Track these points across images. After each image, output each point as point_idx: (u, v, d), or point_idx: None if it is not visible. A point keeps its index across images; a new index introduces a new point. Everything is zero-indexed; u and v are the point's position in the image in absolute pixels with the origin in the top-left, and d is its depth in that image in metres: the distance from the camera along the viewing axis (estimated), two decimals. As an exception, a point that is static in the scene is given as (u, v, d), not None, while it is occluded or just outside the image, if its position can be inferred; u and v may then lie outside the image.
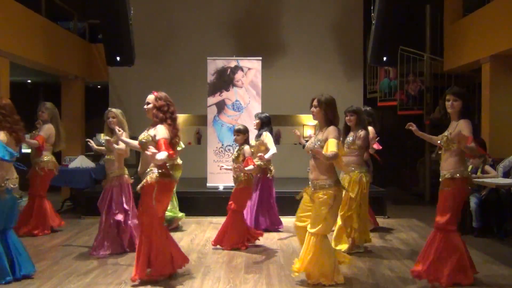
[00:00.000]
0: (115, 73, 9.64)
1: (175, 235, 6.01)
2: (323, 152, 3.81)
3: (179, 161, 6.17)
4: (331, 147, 3.81)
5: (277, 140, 9.86)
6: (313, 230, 3.94)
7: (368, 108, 5.92)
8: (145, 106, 4.12)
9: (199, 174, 8.18)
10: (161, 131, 3.93)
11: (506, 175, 6.18)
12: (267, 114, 6.17)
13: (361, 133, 5.08)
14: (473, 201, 6.05)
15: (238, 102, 7.65)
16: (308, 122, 10.10)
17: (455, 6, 9.07)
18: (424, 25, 9.90)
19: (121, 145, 4.90)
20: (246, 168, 5.05)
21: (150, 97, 4.11)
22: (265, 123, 6.01)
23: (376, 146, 5.91)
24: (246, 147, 5.21)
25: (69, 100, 9.74)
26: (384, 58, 8.04)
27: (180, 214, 6.31)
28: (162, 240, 4.06)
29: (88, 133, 9.47)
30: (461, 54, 8.58)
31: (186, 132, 10.22)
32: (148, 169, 4.00)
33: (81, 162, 7.58)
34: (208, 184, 7.60)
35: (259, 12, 9.99)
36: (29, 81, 11.43)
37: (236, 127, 5.36)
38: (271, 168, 6.06)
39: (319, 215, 3.93)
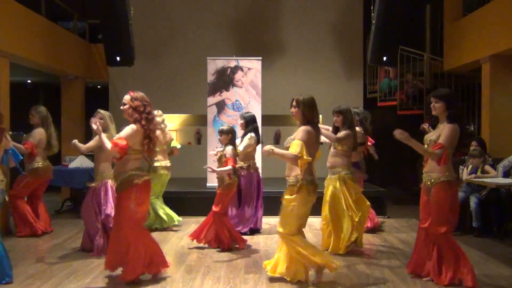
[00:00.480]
0: (115, 73, 9.64)
1: (176, 235, 6.02)
2: (279, 151, 3.87)
3: (163, 163, 6.22)
4: (292, 148, 3.84)
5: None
6: (281, 230, 3.99)
7: (357, 109, 5.86)
8: (122, 107, 4.08)
9: (199, 174, 8.17)
10: (125, 131, 3.94)
11: (506, 175, 6.18)
12: (251, 113, 6.14)
13: (342, 132, 5.07)
14: (473, 201, 6.05)
15: (238, 102, 7.65)
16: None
17: (455, 6, 9.07)
18: (424, 25, 9.90)
19: (90, 144, 5.02)
20: (219, 169, 5.08)
21: (126, 97, 4.07)
22: (249, 122, 5.96)
23: (369, 142, 6.01)
24: (228, 148, 5.18)
25: (69, 100, 9.74)
26: (384, 58, 8.03)
27: (176, 220, 6.40)
28: (140, 241, 4.03)
29: (88, 133, 9.46)
30: (461, 54, 8.58)
31: (186, 132, 10.22)
32: (125, 173, 3.98)
33: (81, 162, 7.58)
34: (208, 184, 7.59)
35: (259, 12, 9.99)
36: (29, 81, 11.43)
37: (220, 128, 5.36)
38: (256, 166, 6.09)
39: (286, 215, 3.96)
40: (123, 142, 3.84)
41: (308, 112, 4.00)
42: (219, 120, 7.62)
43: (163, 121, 6.27)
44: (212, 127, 7.66)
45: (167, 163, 6.32)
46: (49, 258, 4.92)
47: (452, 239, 4.05)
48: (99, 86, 11.39)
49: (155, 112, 5.92)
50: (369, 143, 6.07)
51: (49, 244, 5.59)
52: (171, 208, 6.52)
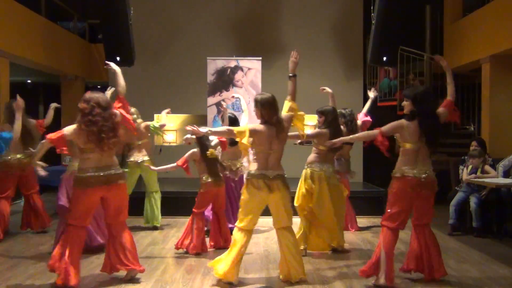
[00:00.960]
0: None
1: (176, 235, 6.01)
2: (213, 128, 4.26)
3: (133, 158, 6.10)
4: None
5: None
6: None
7: (344, 110, 5.82)
8: None
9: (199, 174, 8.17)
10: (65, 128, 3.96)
11: (506, 174, 6.18)
12: (231, 115, 6.00)
13: (313, 130, 5.19)
14: (473, 201, 6.05)
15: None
16: (308, 122, 10.07)
17: (455, 6, 9.08)
18: (424, 25, 9.89)
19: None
20: (158, 167, 5.31)
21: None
22: (229, 124, 5.77)
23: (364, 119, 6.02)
24: (193, 149, 5.16)
25: (69, 100, 9.74)
26: (384, 58, 8.04)
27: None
28: (64, 238, 4.00)
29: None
30: (461, 54, 8.59)
31: (186, 132, 10.18)
32: (78, 170, 4.04)
33: (81, 162, 7.57)
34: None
35: (259, 12, 9.98)
36: (29, 81, 11.44)
37: None
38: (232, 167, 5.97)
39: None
40: (54, 134, 3.90)
41: (265, 112, 4.07)
42: (219, 120, 7.61)
43: (133, 120, 6.11)
44: (212, 127, 7.67)
45: (138, 158, 6.13)
46: (49, 258, 4.91)
47: (387, 235, 4.08)
48: (99, 86, 11.39)
49: (131, 108, 5.95)
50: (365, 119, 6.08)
51: (49, 244, 5.57)
52: (169, 208, 6.49)
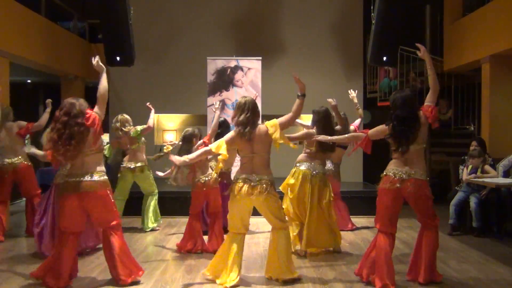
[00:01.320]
0: (115, 73, 9.64)
1: (176, 235, 6.01)
2: (192, 155, 4.10)
3: (126, 164, 6.07)
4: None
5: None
6: None
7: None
8: None
9: (199, 174, 8.17)
10: None
11: (506, 174, 6.18)
12: (223, 118, 5.91)
13: (302, 131, 5.22)
14: (473, 201, 6.05)
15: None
16: (308, 122, 10.08)
17: (455, 6, 9.07)
18: (424, 25, 9.89)
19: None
20: (163, 173, 5.25)
21: None
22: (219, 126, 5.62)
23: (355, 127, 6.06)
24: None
25: (69, 100, 9.74)
26: (384, 58, 8.04)
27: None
28: (56, 251, 3.98)
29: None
30: (461, 54, 8.58)
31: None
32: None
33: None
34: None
35: (259, 12, 9.99)
36: (29, 81, 11.43)
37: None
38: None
39: None
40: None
41: (234, 114, 4.11)
42: (219, 120, 7.61)
43: (119, 128, 6.05)
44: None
45: (131, 164, 6.09)
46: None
47: (379, 239, 4.03)
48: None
49: (119, 116, 6.00)
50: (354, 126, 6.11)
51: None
52: (169, 208, 6.47)
